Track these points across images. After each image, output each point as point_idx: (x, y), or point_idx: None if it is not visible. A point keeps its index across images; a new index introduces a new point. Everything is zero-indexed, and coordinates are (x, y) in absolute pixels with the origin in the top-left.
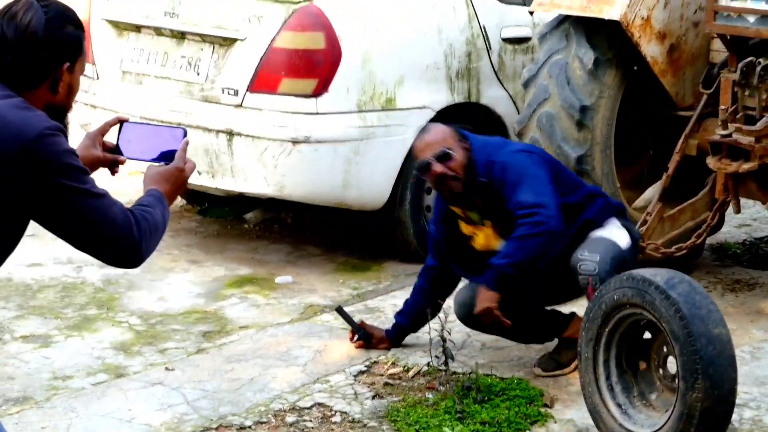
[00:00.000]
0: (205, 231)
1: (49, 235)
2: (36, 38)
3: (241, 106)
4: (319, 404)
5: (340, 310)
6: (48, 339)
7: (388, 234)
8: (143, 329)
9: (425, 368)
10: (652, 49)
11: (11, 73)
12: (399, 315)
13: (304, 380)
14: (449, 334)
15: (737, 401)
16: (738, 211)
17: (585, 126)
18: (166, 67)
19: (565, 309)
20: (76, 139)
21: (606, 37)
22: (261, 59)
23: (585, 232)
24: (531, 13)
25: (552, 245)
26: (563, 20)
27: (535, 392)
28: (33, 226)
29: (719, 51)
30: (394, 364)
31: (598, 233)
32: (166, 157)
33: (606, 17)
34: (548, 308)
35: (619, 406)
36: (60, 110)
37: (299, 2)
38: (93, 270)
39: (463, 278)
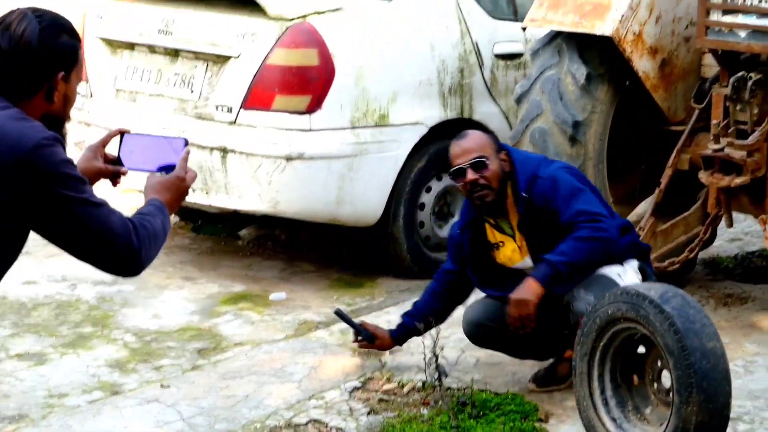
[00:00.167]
0: (198, 248)
1: (42, 253)
2: (30, 48)
3: (234, 123)
4: (315, 420)
5: (339, 313)
6: (43, 357)
7: (381, 250)
8: (138, 346)
9: (420, 384)
10: (644, 65)
11: (6, 83)
12: (407, 316)
13: (299, 396)
14: (443, 350)
15: (731, 415)
16: (730, 225)
17: (577, 141)
18: (159, 85)
19: None
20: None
21: (598, 53)
22: (254, 76)
23: (603, 263)
24: (523, 29)
25: (605, 254)
26: (555, 36)
27: (529, 407)
28: (27, 244)
29: (711, 66)
30: (389, 380)
31: (609, 271)
32: (168, 167)
33: (598, 33)
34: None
35: (613, 420)
36: (57, 120)
37: (292, 19)
38: (87, 288)
39: (477, 289)
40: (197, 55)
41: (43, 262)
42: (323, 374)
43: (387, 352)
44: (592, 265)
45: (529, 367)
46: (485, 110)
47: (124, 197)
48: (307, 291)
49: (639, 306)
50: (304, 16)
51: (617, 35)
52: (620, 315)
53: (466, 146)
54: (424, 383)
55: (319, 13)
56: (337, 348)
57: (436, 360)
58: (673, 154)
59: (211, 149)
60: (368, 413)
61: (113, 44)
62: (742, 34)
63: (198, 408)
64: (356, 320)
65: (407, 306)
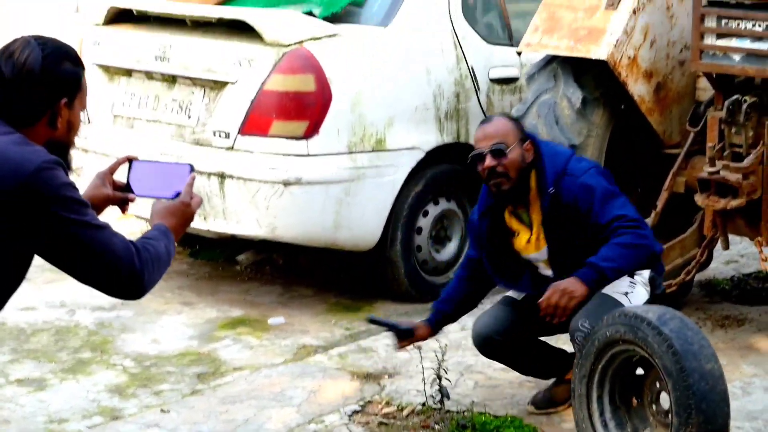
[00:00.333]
0: (196, 273)
1: (41, 279)
2: (33, 75)
3: (232, 148)
4: None
5: (372, 320)
6: (43, 382)
7: (379, 274)
8: (137, 371)
9: (419, 407)
10: (639, 88)
11: (10, 110)
12: (441, 303)
13: (298, 420)
14: (446, 372)
15: None
16: (726, 247)
17: None
18: (157, 111)
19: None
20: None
21: (593, 77)
22: (252, 102)
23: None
24: (519, 53)
25: (644, 262)
26: (551, 60)
27: (529, 430)
28: None
29: (705, 89)
30: (388, 403)
31: (618, 289)
32: (177, 194)
33: (593, 57)
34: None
35: None
36: (61, 146)
37: (289, 45)
38: (86, 313)
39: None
40: (194, 81)
41: (41, 288)
42: (322, 398)
43: (386, 375)
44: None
45: (528, 390)
46: None
47: (120, 223)
48: (306, 315)
49: (637, 328)
50: (301, 42)
51: (612, 59)
52: (619, 337)
53: (489, 132)
54: (423, 406)
55: (315, 38)
56: (336, 372)
57: (440, 382)
58: (669, 177)
59: (209, 175)
60: None
61: (110, 71)
62: (737, 57)
63: None
64: (383, 324)
65: None
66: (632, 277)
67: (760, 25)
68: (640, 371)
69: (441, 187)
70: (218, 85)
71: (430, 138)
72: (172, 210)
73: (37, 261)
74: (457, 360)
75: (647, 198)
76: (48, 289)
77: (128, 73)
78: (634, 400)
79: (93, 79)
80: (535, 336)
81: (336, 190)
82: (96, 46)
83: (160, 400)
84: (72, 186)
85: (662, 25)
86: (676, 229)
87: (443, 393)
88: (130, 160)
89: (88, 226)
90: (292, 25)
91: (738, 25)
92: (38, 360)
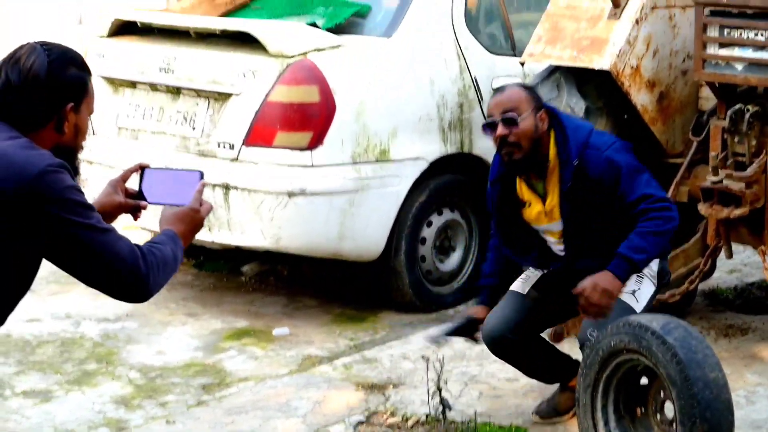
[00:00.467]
0: (201, 284)
1: (46, 291)
2: (38, 80)
3: (236, 159)
4: None
5: (434, 340)
6: (49, 394)
7: (383, 284)
8: (143, 383)
9: (424, 417)
10: (642, 98)
11: (17, 115)
12: (487, 279)
13: (304, 431)
14: (446, 383)
15: None
16: (730, 256)
17: None
18: (161, 122)
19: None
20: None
21: (596, 87)
22: (256, 113)
23: None
24: (522, 63)
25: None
26: (554, 70)
27: None
28: None
29: (708, 99)
30: (392, 414)
31: (626, 289)
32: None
33: (596, 67)
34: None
35: None
36: (69, 150)
37: (293, 56)
38: (91, 325)
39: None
40: (199, 93)
41: (46, 300)
42: (327, 409)
43: (390, 385)
44: None
45: (533, 400)
46: (484, 144)
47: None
48: (310, 326)
49: (641, 337)
50: (305, 53)
51: (615, 69)
52: (623, 346)
53: (501, 101)
54: (427, 417)
55: (319, 50)
56: (341, 382)
57: (440, 393)
58: (672, 187)
59: (214, 186)
60: None
61: (115, 83)
62: (739, 66)
63: None
64: (437, 336)
65: (410, 340)
66: (639, 270)
67: (762, 35)
68: (644, 380)
69: (445, 198)
70: (222, 97)
71: (433, 148)
72: (180, 216)
73: (42, 273)
74: (461, 370)
75: None
76: (53, 301)
77: (133, 84)
78: (639, 410)
79: (97, 91)
80: (547, 326)
81: (340, 201)
82: (100, 58)
83: (166, 412)
84: (76, 189)
85: (665, 34)
86: (679, 238)
87: (444, 405)
88: (142, 168)
89: (93, 229)
90: (295, 36)
91: (740, 34)
92: (44, 372)
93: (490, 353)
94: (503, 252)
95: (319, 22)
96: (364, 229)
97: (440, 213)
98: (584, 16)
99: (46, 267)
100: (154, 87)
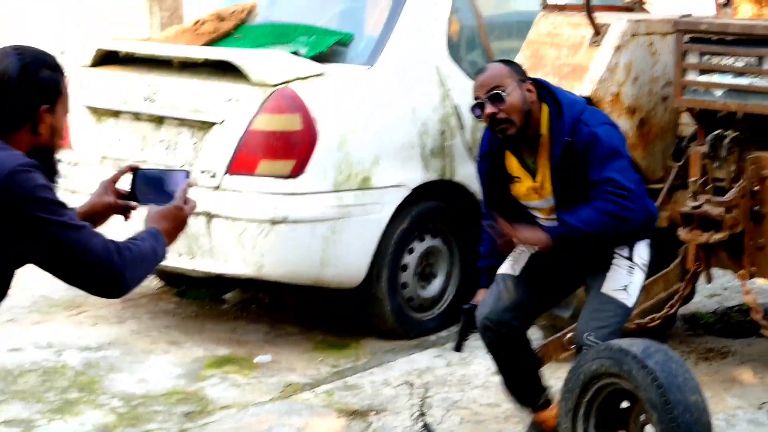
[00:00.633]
0: (183, 312)
1: (28, 320)
2: (11, 83)
3: (219, 188)
4: None
5: (457, 348)
6: (31, 423)
7: (365, 311)
8: (125, 411)
9: None
10: (622, 124)
11: None
12: (486, 260)
13: None
14: (428, 409)
15: None
16: (709, 281)
17: None
18: (144, 151)
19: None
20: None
21: None
22: (239, 142)
23: (618, 242)
24: None
25: (620, 231)
26: None
27: None
28: (11, 312)
29: (688, 125)
30: None
31: (613, 289)
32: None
33: (577, 94)
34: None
35: None
36: (46, 151)
37: (275, 85)
38: (73, 353)
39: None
40: (182, 122)
41: (28, 329)
42: None
43: (372, 412)
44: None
45: (514, 425)
46: (466, 172)
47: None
48: (292, 353)
49: (622, 361)
50: (287, 82)
51: (596, 96)
52: (603, 370)
53: (483, 80)
54: None
55: (301, 78)
56: (323, 409)
57: (424, 419)
58: None
59: (196, 214)
60: None
61: (98, 112)
62: (718, 93)
63: None
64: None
65: (392, 366)
66: (631, 260)
67: (741, 61)
68: (625, 404)
69: (426, 224)
70: (205, 126)
71: (415, 176)
72: (164, 214)
73: (24, 302)
74: (442, 396)
75: None
76: (35, 330)
77: (116, 114)
78: None
79: (81, 120)
80: (540, 309)
81: (322, 229)
82: (83, 88)
83: None
84: (48, 187)
85: (645, 61)
86: (659, 263)
87: (427, 430)
88: (134, 170)
89: (66, 226)
90: (278, 65)
91: (720, 60)
92: (26, 401)
93: (472, 378)
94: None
95: (302, 51)
96: (346, 256)
97: (422, 240)
98: (565, 43)
99: (28, 296)
100: (137, 116)
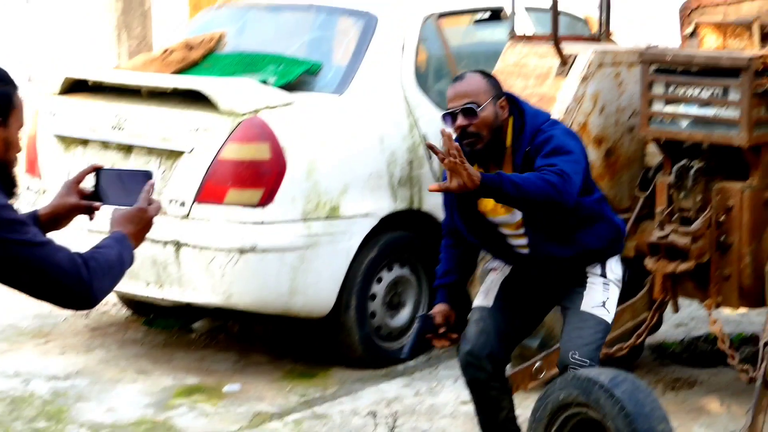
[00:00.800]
0: (152, 341)
1: None
2: None
3: (187, 217)
4: None
5: (406, 355)
6: None
7: (333, 340)
8: None
9: None
10: (590, 154)
11: None
12: (443, 278)
13: None
14: None
15: None
16: (676, 310)
17: None
18: None
19: None
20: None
21: None
22: (207, 171)
23: (587, 263)
24: None
25: (549, 207)
26: None
27: None
28: None
29: (654, 155)
30: None
31: (592, 307)
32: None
33: None
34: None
35: None
36: (1, 165)
37: (244, 114)
38: (41, 383)
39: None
40: (150, 151)
41: None
42: None
43: None
44: (534, 206)
45: None
46: (434, 201)
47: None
48: (261, 382)
49: (590, 391)
50: (256, 111)
51: None
52: (571, 400)
53: (460, 90)
54: None
55: (270, 107)
56: None
57: None
58: None
59: (165, 243)
60: None
61: (66, 141)
62: (684, 123)
63: None
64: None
65: (361, 395)
66: (605, 276)
67: (707, 91)
68: None
69: (395, 254)
70: (174, 155)
71: (383, 205)
72: (129, 217)
73: None
74: (411, 425)
75: None
76: (2, 359)
77: (84, 142)
78: None
79: (49, 149)
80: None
81: (291, 258)
82: (52, 116)
83: None
84: (6, 207)
85: (611, 91)
86: (626, 293)
87: None
88: (96, 169)
89: (29, 245)
90: (246, 94)
91: (685, 91)
92: None
93: (440, 408)
94: (456, 250)
95: (270, 80)
96: (315, 285)
97: (390, 269)
98: (532, 73)
99: None
100: (105, 145)
